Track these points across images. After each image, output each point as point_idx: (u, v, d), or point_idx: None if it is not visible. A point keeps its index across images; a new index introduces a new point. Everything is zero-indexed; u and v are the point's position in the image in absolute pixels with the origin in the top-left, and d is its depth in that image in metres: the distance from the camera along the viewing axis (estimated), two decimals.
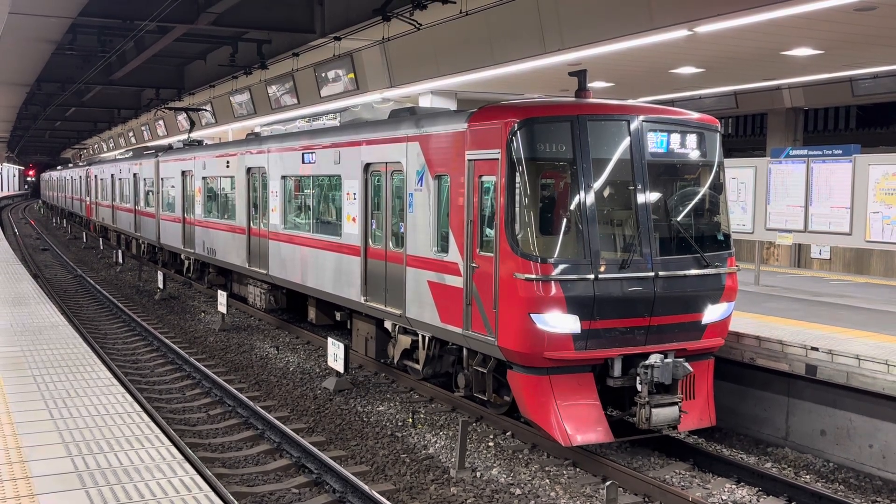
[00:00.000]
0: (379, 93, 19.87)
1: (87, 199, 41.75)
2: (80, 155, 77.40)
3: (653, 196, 9.39)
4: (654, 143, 9.48)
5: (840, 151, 14.00)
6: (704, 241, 9.74)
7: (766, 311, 12.85)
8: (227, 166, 18.99)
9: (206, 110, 31.46)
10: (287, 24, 20.11)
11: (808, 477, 9.33)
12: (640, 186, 9.28)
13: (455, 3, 14.62)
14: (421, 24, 16.13)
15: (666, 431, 9.64)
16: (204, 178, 20.87)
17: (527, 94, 19.99)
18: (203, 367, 13.22)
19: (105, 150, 60.88)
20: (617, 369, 9.22)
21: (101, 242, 36.08)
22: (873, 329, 11.43)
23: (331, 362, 12.40)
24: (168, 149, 26.30)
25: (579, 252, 9.00)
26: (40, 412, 7.37)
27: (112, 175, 33.30)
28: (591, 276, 8.89)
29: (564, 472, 9.32)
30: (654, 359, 8.97)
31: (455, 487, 8.83)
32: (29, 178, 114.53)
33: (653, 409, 8.97)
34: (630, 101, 10.52)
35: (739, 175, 15.44)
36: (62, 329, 11.29)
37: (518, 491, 8.75)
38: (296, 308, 17.43)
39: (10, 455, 6.26)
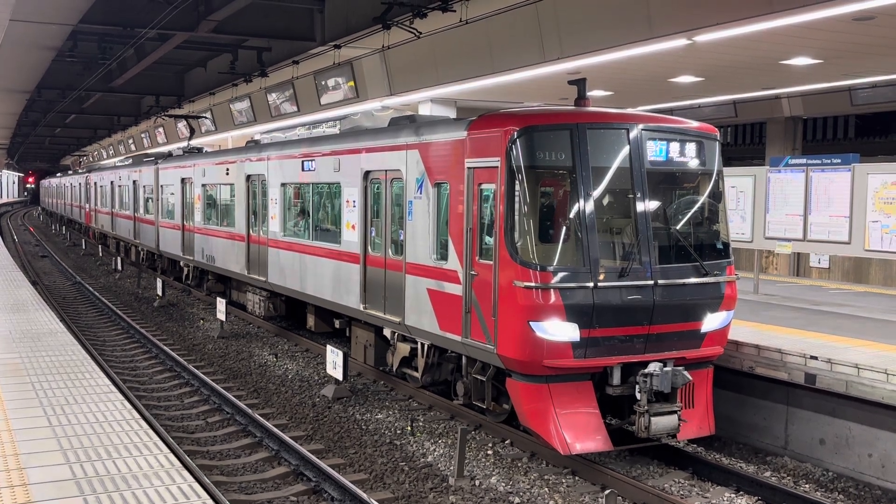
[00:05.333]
0: (379, 101, 19.91)
1: (87, 206, 41.76)
2: (80, 162, 77.42)
3: (652, 204, 9.40)
4: (654, 151, 9.50)
5: (839, 160, 14.02)
6: (704, 250, 9.74)
7: (765, 319, 12.85)
8: (227, 174, 19.01)
9: (205, 118, 31.50)
10: (287, 32, 20.15)
11: (807, 486, 9.31)
12: (639, 195, 9.29)
13: (455, 11, 14.67)
14: (421, 33, 16.16)
15: (665, 440, 9.62)
16: (203, 185, 20.88)
17: (526, 102, 20.03)
18: (202, 375, 13.20)
19: (105, 157, 60.91)
20: (616, 377, 9.21)
21: (100, 249, 36.07)
22: (873, 338, 11.43)
23: (329, 370, 12.38)
24: (168, 156, 26.33)
25: (578, 260, 9.00)
26: (38, 419, 7.36)
27: (111, 182, 33.32)
28: (591, 285, 8.89)
29: (563, 480, 9.31)
30: (654, 367, 8.96)
31: (454, 496, 8.81)
32: (28, 185, 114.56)
33: (652, 418, 8.96)
34: (629, 110, 10.53)
35: (738, 184, 15.45)
36: (61, 336, 11.27)
37: (517, 499, 8.73)
38: (295, 315, 17.42)
39: (7, 462, 6.25)
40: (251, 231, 17.71)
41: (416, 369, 11.69)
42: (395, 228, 11.82)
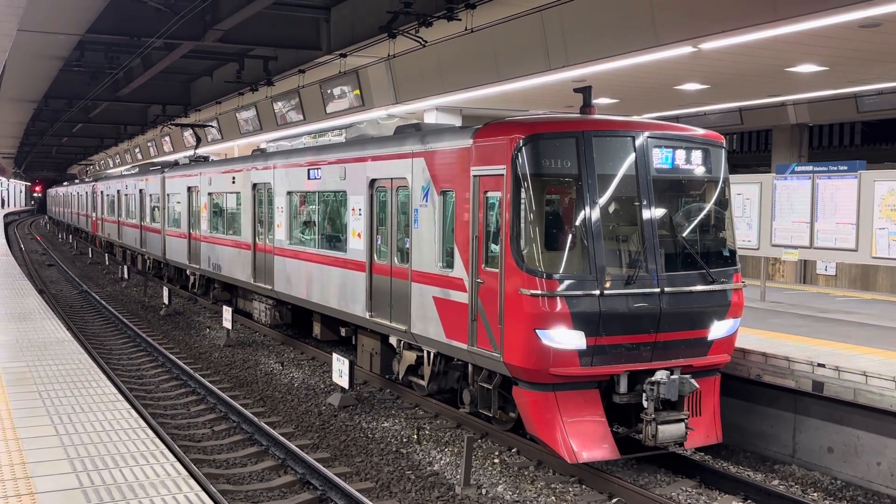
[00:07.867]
0: (384, 109, 19.94)
1: (93, 214, 41.89)
2: (87, 171, 77.69)
3: (658, 212, 9.39)
4: (660, 159, 9.50)
5: (845, 167, 14.00)
6: (710, 257, 9.73)
7: (772, 327, 12.81)
8: (233, 182, 19.05)
9: (212, 126, 31.58)
10: (293, 41, 20.23)
11: (815, 494, 9.27)
12: (645, 202, 9.28)
13: (460, 20, 14.71)
14: (426, 41, 16.21)
15: (672, 448, 9.59)
16: (210, 193, 20.93)
17: (532, 110, 20.04)
18: (208, 383, 13.20)
19: (111, 166, 61.10)
20: (623, 385, 9.18)
21: (106, 258, 36.16)
22: (880, 345, 11.38)
23: (335, 378, 12.38)
24: (174, 165, 26.41)
25: (585, 268, 8.99)
26: (45, 427, 7.37)
27: (118, 191, 33.43)
28: (597, 292, 8.87)
29: (570, 489, 9.28)
30: (660, 375, 8.94)
31: None
32: (35, 194, 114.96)
33: (659, 426, 8.93)
34: (635, 118, 10.52)
35: (745, 191, 15.43)
36: (67, 344, 11.29)
37: None
38: (301, 324, 17.43)
39: (14, 471, 6.25)
40: (257, 239, 17.74)
41: (423, 377, 11.68)
42: (401, 236, 11.82)
